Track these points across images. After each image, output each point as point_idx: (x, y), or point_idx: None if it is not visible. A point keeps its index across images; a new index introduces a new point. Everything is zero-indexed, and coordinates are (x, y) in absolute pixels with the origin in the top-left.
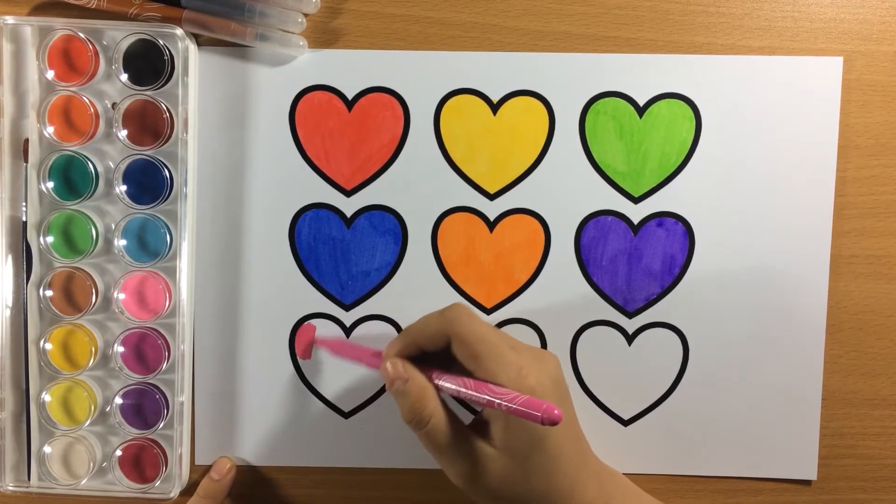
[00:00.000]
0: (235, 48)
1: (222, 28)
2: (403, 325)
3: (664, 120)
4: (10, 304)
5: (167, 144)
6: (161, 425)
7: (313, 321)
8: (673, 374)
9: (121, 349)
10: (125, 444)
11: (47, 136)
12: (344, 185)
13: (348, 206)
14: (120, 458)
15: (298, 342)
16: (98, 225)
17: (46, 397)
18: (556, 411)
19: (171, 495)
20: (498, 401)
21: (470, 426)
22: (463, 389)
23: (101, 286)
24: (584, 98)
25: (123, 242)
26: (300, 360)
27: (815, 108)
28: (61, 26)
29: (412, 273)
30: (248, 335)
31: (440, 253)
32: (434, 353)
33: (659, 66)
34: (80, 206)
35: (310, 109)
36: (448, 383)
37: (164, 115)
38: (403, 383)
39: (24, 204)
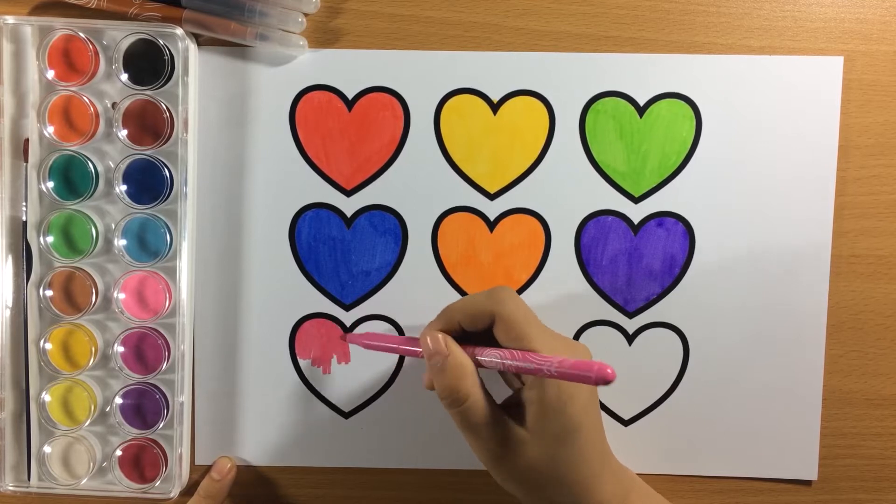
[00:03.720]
0: (235, 48)
1: (222, 28)
2: (404, 325)
3: (664, 120)
4: (10, 304)
5: (167, 144)
6: (161, 425)
7: (313, 320)
8: (673, 374)
9: (121, 349)
10: (125, 444)
11: (47, 136)
12: (344, 185)
13: (348, 206)
14: (120, 458)
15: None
16: (98, 225)
17: (46, 397)
18: (608, 370)
19: (171, 495)
20: (546, 367)
21: (502, 407)
22: (508, 361)
23: (101, 286)
24: (584, 98)
25: (123, 242)
26: (300, 361)
27: (815, 108)
28: (61, 26)
29: (412, 273)
30: (248, 335)
31: (440, 253)
32: (473, 333)
33: (659, 66)
34: (80, 205)
35: (310, 109)
36: (491, 357)
37: (164, 115)
38: (443, 359)
39: (24, 204)
